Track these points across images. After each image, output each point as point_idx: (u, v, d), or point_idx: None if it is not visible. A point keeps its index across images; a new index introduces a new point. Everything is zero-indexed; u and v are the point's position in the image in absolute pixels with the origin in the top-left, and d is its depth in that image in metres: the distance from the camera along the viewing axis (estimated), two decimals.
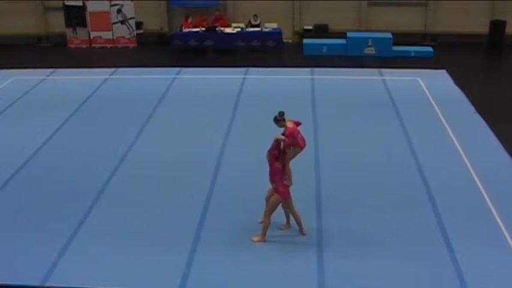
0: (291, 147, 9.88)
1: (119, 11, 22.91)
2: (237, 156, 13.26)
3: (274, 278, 9.19)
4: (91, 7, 22.87)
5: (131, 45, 23.09)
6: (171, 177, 12.36)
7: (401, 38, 21.53)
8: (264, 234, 10.03)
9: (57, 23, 23.43)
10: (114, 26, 23.01)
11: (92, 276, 9.18)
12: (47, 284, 9.03)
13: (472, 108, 15.88)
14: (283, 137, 9.78)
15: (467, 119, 15.27)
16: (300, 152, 10.08)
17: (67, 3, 22.88)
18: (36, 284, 9.01)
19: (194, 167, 12.76)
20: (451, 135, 14.20)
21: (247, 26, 22.21)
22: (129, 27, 23.02)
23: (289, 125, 10.03)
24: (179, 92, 17.60)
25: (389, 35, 21.38)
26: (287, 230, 10.36)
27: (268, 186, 9.95)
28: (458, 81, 17.95)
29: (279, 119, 10.12)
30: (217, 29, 21.92)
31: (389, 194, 11.58)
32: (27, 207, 11.31)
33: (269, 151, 9.80)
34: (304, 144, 10.11)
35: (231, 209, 11.06)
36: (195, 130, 14.66)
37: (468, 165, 12.70)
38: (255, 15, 22.26)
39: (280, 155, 9.70)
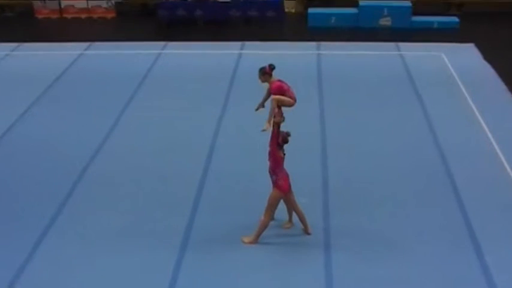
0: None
1: None
2: (231, 144, 13.25)
3: (274, 283, 9.18)
4: None
5: (109, 16, 23.01)
6: (156, 170, 12.33)
7: (422, 7, 21.50)
8: (258, 235, 9.97)
9: None
10: None
11: (66, 282, 9.17)
12: None
13: (504, 88, 15.87)
14: (276, 110, 9.51)
15: (499, 101, 15.27)
16: (293, 104, 9.72)
17: None
18: None
19: (182, 158, 12.74)
20: (480, 119, 14.18)
21: None
22: None
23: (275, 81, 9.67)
24: (165, 70, 17.58)
25: (408, 3, 21.33)
26: (290, 228, 10.35)
27: (268, 180, 9.95)
28: (488, 57, 17.93)
29: (267, 72, 9.59)
30: None
31: (407, 188, 11.58)
32: None
33: (271, 138, 9.69)
34: (295, 99, 9.67)
35: (224, 206, 11.05)
36: (183, 114, 14.64)
37: (500, 154, 12.68)
38: None
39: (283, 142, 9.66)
